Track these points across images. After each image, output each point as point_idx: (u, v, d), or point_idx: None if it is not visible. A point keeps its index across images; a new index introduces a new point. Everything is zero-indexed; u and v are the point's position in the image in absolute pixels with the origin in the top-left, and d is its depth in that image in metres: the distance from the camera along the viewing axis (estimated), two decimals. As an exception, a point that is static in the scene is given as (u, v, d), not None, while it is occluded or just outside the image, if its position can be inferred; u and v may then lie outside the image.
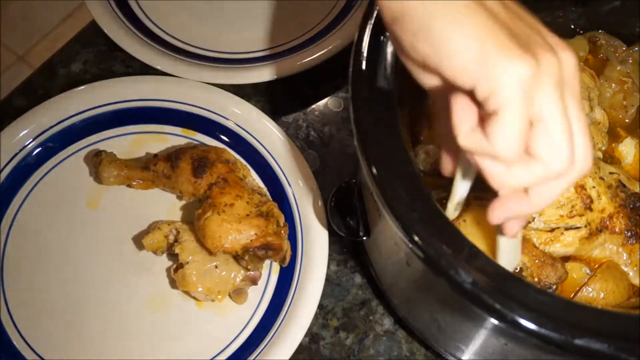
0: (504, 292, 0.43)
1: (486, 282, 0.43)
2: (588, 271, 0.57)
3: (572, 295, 0.56)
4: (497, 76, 0.36)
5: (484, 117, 0.38)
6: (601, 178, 0.56)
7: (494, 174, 0.39)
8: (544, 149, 0.38)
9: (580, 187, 0.55)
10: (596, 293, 0.55)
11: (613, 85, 0.64)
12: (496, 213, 0.42)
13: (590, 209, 0.55)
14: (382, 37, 0.51)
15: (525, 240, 0.55)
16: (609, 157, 0.62)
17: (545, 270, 0.54)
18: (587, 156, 0.39)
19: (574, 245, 0.56)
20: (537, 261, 0.54)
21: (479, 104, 0.38)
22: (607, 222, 0.56)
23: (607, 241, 0.56)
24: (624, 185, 0.57)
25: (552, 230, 0.56)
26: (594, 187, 0.55)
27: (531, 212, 0.42)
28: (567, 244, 0.56)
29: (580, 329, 0.42)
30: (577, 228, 0.55)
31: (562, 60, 0.38)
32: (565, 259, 0.57)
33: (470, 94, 0.38)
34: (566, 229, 0.56)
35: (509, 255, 0.50)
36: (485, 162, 0.39)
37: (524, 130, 0.37)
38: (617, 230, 0.56)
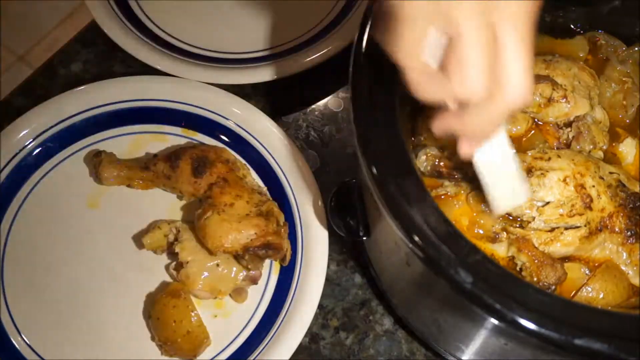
0: (504, 292, 0.43)
1: (486, 282, 0.43)
2: (587, 271, 0.57)
3: (571, 296, 0.56)
4: None
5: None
6: (601, 177, 0.56)
7: (411, 80, 0.39)
8: (454, 73, 0.37)
9: (579, 186, 0.55)
10: (596, 293, 0.55)
11: (613, 85, 0.64)
12: (436, 125, 0.42)
13: (590, 208, 0.55)
14: (382, 37, 0.51)
15: (525, 241, 0.55)
16: (610, 157, 0.62)
17: (544, 271, 0.54)
18: (519, 88, 0.38)
19: (574, 245, 0.56)
20: (536, 261, 0.54)
21: None
22: (607, 222, 0.56)
23: (607, 240, 0.56)
24: (624, 185, 0.57)
25: (552, 230, 0.56)
26: (593, 186, 0.55)
27: (471, 134, 0.42)
28: (566, 244, 0.56)
29: (580, 329, 0.42)
30: (577, 227, 0.55)
31: None
32: (565, 259, 0.57)
33: None
34: (566, 229, 0.56)
35: (500, 188, 0.48)
36: (407, 75, 0.39)
37: (420, 39, 0.36)
38: (617, 229, 0.56)
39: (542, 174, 0.56)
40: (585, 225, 0.55)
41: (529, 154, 0.58)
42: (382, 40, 0.40)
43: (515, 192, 0.49)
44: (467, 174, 0.57)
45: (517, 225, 0.57)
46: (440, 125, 0.42)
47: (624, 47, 0.66)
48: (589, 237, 0.55)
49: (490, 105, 0.38)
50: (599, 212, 0.55)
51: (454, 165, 0.57)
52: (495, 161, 0.47)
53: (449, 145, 0.58)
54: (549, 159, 0.56)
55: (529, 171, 0.56)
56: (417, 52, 0.37)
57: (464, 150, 0.45)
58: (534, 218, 0.56)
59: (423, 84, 0.39)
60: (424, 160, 0.57)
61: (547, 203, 0.56)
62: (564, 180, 0.55)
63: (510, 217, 0.57)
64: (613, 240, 0.56)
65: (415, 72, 0.39)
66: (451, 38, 0.36)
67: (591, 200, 0.55)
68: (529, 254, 0.55)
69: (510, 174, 0.48)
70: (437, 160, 0.56)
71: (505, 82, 0.37)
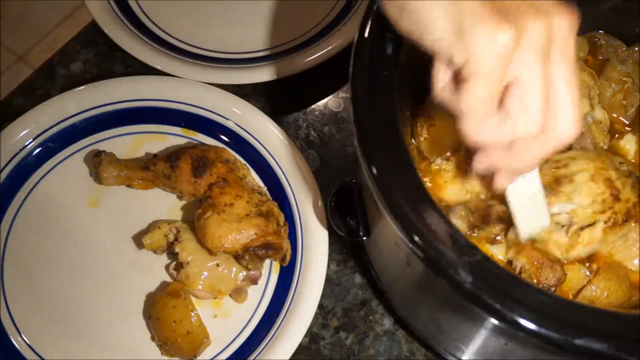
0: (504, 292, 0.43)
1: (486, 282, 0.43)
2: (587, 272, 0.57)
3: (575, 294, 0.56)
4: (472, 46, 0.37)
5: (456, 76, 0.40)
6: (617, 168, 0.56)
7: (466, 128, 0.41)
8: (515, 112, 0.39)
9: (607, 180, 0.55)
10: (600, 292, 0.55)
11: (613, 85, 0.64)
12: (479, 162, 0.43)
13: (619, 199, 0.55)
14: (382, 37, 0.51)
15: (523, 245, 0.55)
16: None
17: (543, 273, 0.54)
18: (570, 123, 0.41)
19: (596, 242, 0.55)
20: (535, 263, 0.54)
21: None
22: (632, 212, 0.56)
23: (632, 231, 0.56)
24: (636, 175, 0.57)
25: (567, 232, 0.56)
26: (617, 178, 0.55)
27: (514, 168, 0.44)
28: (587, 243, 0.55)
29: (580, 329, 0.42)
30: (592, 225, 0.55)
31: (555, 25, 0.39)
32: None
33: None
34: (581, 229, 0.55)
35: (527, 215, 0.51)
36: (459, 116, 0.41)
37: (492, 97, 0.39)
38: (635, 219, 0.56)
39: (570, 180, 0.55)
40: (609, 218, 0.55)
41: (544, 167, 0.57)
42: (444, 96, 0.41)
43: (541, 216, 0.52)
44: (498, 216, 0.56)
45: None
46: (484, 163, 0.43)
47: (624, 47, 0.66)
48: (613, 227, 0.55)
49: (543, 140, 0.41)
50: (625, 202, 0.55)
51: (484, 215, 0.56)
52: (525, 189, 0.49)
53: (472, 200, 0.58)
54: (566, 165, 0.56)
55: (557, 182, 0.55)
56: (487, 105, 0.39)
57: (501, 183, 0.46)
58: (569, 224, 0.56)
59: (480, 128, 0.41)
60: (460, 224, 0.56)
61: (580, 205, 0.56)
62: (592, 178, 0.55)
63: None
64: (635, 230, 0.56)
65: (477, 120, 0.41)
66: (511, 82, 0.39)
67: (619, 192, 0.55)
68: (528, 255, 0.55)
69: (537, 199, 0.51)
70: (469, 218, 0.56)
71: (558, 118, 0.40)
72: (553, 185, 0.55)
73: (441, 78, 0.41)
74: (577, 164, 0.56)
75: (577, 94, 0.41)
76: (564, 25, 0.39)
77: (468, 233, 0.56)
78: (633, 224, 0.56)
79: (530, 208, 0.51)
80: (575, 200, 0.55)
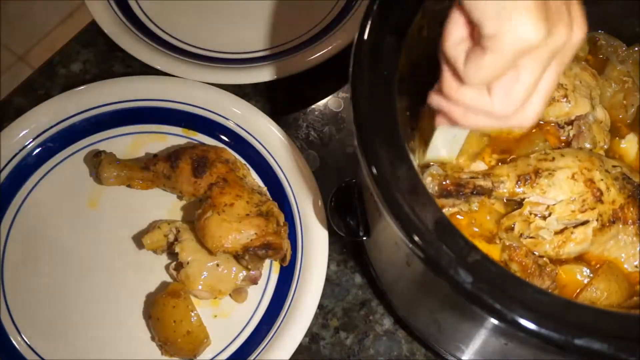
0: (504, 292, 0.43)
1: (486, 282, 0.43)
2: (589, 273, 0.57)
3: (575, 295, 0.56)
4: (505, 27, 0.38)
5: (474, 38, 0.41)
6: (606, 171, 0.57)
7: (449, 84, 0.43)
8: (499, 94, 0.42)
9: (589, 181, 0.55)
10: (600, 292, 0.55)
11: (613, 85, 0.64)
12: (432, 99, 0.46)
13: (601, 201, 0.55)
14: (382, 37, 0.51)
15: (516, 249, 0.55)
16: (611, 154, 0.62)
17: (532, 282, 0.54)
18: (531, 117, 0.43)
19: (587, 241, 0.56)
20: (528, 271, 0.55)
21: (474, 29, 0.41)
22: (619, 213, 0.56)
23: (621, 232, 0.56)
24: (629, 177, 0.57)
25: (562, 231, 0.56)
26: (601, 179, 0.56)
27: (455, 122, 0.46)
28: (580, 241, 0.56)
29: (580, 329, 0.42)
30: (586, 223, 0.55)
31: (573, 36, 0.41)
32: (580, 257, 0.57)
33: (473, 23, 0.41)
34: (575, 227, 0.56)
35: (439, 145, 0.56)
36: (448, 72, 0.43)
37: (497, 75, 0.40)
38: (629, 221, 0.56)
39: (550, 173, 0.56)
40: (597, 219, 0.55)
41: (532, 157, 0.58)
42: (452, 53, 0.42)
43: (451, 151, 0.57)
44: (474, 188, 0.56)
45: (527, 236, 0.57)
46: (437, 104, 0.45)
47: (624, 47, 0.66)
48: (602, 229, 0.56)
49: (496, 120, 0.43)
50: (610, 204, 0.56)
51: (460, 181, 0.56)
52: (453, 127, 0.52)
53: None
54: (553, 158, 0.57)
55: (536, 173, 0.56)
56: (487, 78, 0.41)
57: (439, 123, 0.48)
58: (545, 217, 0.56)
59: (462, 90, 0.43)
60: (430, 182, 0.56)
61: (559, 201, 0.56)
62: (573, 177, 0.56)
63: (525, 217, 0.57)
64: (627, 232, 0.56)
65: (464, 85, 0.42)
66: (511, 69, 0.41)
67: (601, 194, 0.55)
68: (520, 263, 0.55)
69: (458, 138, 0.55)
70: (443, 180, 0.56)
71: (526, 107, 0.42)
72: (531, 175, 0.56)
73: (456, 33, 0.42)
74: (563, 160, 0.56)
75: (550, 96, 0.43)
76: (578, 40, 0.41)
77: (436, 196, 0.56)
78: (621, 226, 0.56)
79: (448, 141, 0.55)
80: (550, 194, 0.55)
